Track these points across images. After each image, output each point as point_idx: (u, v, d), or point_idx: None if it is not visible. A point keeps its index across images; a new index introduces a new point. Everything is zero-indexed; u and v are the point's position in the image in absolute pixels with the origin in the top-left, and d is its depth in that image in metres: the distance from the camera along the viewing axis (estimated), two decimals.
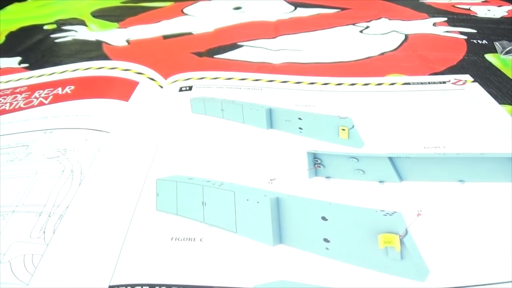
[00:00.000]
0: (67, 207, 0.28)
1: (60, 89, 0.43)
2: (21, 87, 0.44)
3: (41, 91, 0.43)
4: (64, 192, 0.30)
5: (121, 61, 0.51)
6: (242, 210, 0.28)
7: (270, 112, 0.39)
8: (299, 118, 0.39)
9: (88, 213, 0.28)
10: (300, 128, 0.37)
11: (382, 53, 0.54)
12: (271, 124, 0.38)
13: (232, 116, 0.38)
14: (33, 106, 0.40)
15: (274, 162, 0.33)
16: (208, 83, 0.45)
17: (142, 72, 0.48)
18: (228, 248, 0.26)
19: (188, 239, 0.26)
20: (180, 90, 0.44)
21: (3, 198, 0.29)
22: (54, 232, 0.27)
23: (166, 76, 0.48)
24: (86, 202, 0.29)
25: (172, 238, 0.26)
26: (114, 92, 0.43)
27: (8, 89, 0.44)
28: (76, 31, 0.64)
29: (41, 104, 0.41)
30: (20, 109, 0.40)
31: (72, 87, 0.44)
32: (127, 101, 0.42)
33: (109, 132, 0.36)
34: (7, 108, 0.40)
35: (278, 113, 0.39)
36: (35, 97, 0.42)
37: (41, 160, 0.33)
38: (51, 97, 0.42)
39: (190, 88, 0.44)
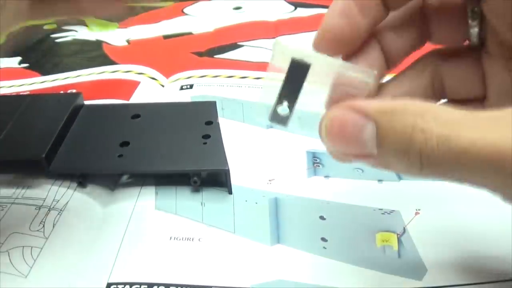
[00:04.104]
0: (67, 202, 0.29)
1: (62, 92, 0.44)
2: (23, 92, 0.45)
3: None
4: (64, 188, 0.30)
5: (123, 64, 0.51)
6: (241, 211, 0.28)
7: None
8: (299, 117, 0.39)
9: (87, 209, 0.28)
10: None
11: None
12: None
13: (232, 115, 0.39)
14: None
15: (273, 161, 0.33)
16: (209, 81, 0.45)
17: (143, 72, 0.48)
18: (226, 248, 0.26)
19: (186, 238, 0.26)
20: (181, 88, 0.44)
21: (3, 190, 0.30)
22: (53, 227, 0.27)
23: (167, 75, 0.48)
24: (86, 199, 0.29)
25: (170, 238, 0.26)
26: (115, 93, 0.43)
27: (11, 93, 0.44)
28: (76, 31, 0.64)
29: None
30: None
31: (74, 90, 0.44)
32: (128, 100, 0.42)
33: None
34: None
35: None
36: None
37: None
38: None
39: (191, 86, 0.44)
